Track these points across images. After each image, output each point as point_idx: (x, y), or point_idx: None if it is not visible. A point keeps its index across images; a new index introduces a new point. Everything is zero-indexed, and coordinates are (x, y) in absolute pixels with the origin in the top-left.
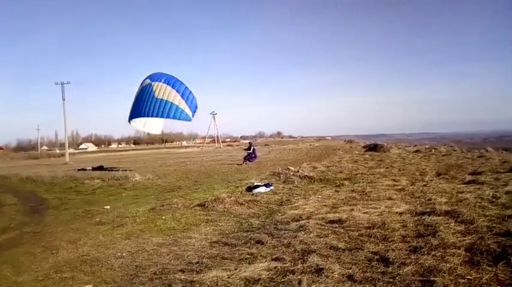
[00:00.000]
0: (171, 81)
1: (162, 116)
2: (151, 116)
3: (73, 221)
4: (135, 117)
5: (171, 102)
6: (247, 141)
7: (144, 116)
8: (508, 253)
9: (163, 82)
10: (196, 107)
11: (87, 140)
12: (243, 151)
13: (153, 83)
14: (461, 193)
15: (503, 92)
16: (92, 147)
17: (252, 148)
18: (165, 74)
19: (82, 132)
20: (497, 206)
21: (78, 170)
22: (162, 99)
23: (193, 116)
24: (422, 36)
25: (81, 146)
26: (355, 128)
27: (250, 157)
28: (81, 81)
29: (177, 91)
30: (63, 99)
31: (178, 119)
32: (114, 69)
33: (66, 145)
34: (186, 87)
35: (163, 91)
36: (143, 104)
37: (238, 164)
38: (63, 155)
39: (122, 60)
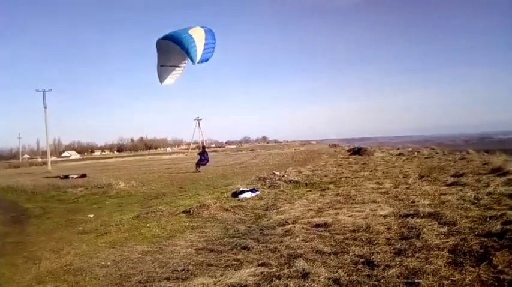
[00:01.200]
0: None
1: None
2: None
3: (56, 230)
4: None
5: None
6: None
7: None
8: (490, 254)
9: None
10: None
11: (69, 147)
12: (197, 155)
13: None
14: (444, 194)
15: (484, 97)
16: (74, 155)
17: (204, 151)
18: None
19: (64, 140)
20: (479, 207)
21: (61, 178)
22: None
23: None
24: (402, 43)
25: (63, 154)
26: (340, 132)
27: (201, 160)
28: (63, 88)
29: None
30: (45, 107)
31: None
32: (97, 77)
33: (48, 153)
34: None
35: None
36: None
37: (193, 172)
38: (45, 163)
39: (105, 67)
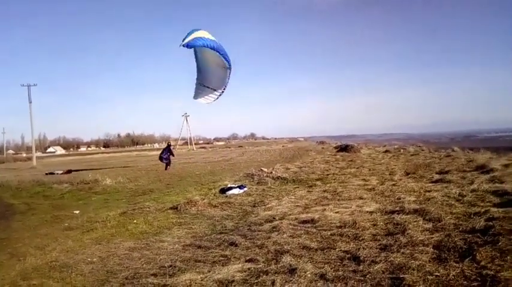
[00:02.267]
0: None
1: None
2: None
3: (41, 226)
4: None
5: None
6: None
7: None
8: (474, 250)
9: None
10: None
11: (55, 143)
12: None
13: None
14: (429, 191)
15: (469, 95)
16: (60, 150)
17: (167, 148)
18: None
19: (50, 135)
20: (464, 204)
21: (46, 174)
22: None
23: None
24: (389, 42)
25: (48, 150)
26: (327, 129)
27: (164, 158)
28: (48, 83)
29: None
30: (30, 102)
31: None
32: (83, 72)
33: (33, 148)
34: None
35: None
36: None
37: (164, 170)
38: (30, 159)
39: (91, 62)
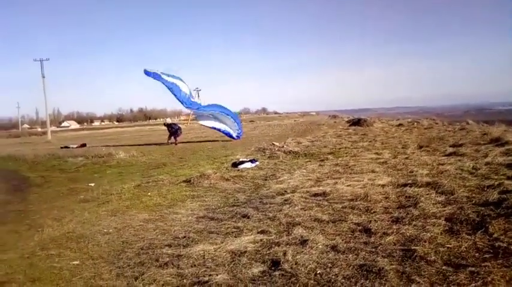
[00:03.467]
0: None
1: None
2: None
3: (57, 199)
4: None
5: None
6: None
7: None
8: (487, 222)
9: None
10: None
11: (69, 117)
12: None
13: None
14: (442, 164)
15: (484, 67)
16: (74, 125)
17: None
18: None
19: (64, 110)
20: (477, 177)
21: (61, 148)
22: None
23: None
24: (401, 14)
25: (63, 124)
26: (339, 103)
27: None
28: (62, 57)
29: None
30: (43, 77)
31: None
32: (97, 45)
33: (48, 122)
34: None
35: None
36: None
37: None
38: (44, 133)
39: (104, 36)
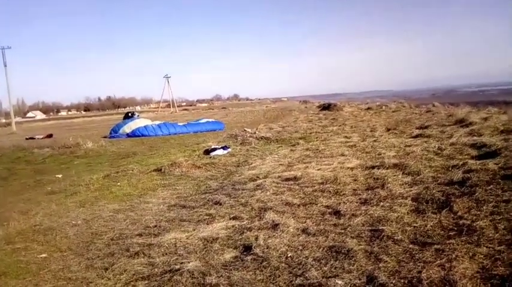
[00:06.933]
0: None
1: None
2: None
3: (23, 191)
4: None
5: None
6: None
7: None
8: (451, 201)
9: None
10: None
11: (34, 108)
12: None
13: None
14: (409, 146)
15: (451, 50)
16: (40, 115)
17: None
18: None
19: (28, 100)
20: (443, 157)
21: (27, 139)
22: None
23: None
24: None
25: (28, 115)
26: (310, 89)
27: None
28: (24, 46)
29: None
30: (5, 65)
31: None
32: (60, 34)
33: (12, 113)
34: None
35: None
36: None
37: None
38: (9, 124)
39: (67, 24)
